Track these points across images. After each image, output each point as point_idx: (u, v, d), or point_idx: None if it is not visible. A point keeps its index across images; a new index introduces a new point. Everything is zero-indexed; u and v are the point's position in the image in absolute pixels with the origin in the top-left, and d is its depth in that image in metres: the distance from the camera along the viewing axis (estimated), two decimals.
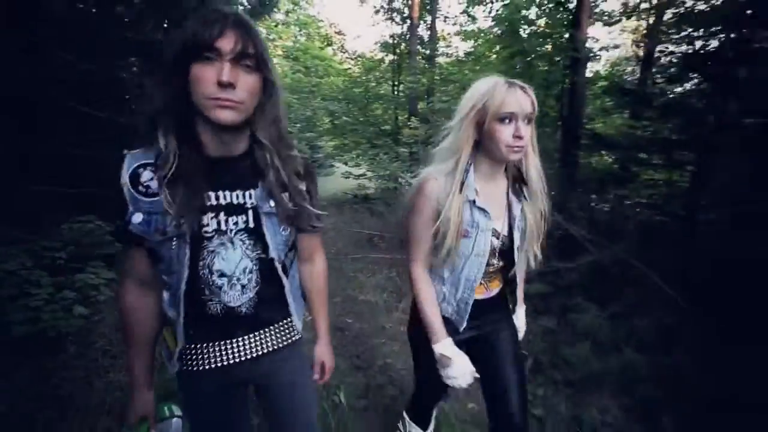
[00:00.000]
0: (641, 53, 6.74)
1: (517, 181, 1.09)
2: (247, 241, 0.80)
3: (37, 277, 2.44)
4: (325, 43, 12.05)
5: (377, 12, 10.69)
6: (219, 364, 0.83)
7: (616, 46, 8.52)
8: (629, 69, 9.10)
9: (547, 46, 4.26)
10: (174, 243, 0.74)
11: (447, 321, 1.13)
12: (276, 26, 10.98)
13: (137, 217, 0.73)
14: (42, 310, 2.20)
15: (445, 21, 10.92)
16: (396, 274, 3.64)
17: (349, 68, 11.48)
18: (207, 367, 0.83)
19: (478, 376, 1.05)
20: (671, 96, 3.66)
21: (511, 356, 1.16)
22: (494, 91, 0.94)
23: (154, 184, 0.73)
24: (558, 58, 4.40)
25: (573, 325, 2.10)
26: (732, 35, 2.86)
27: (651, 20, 6.44)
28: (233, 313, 0.81)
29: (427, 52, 9.46)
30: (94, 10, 3.51)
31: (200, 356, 0.82)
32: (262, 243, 0.81)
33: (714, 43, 3.23)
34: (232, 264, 0.78)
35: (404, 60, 9.77)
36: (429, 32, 9.90)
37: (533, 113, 0.96)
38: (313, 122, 9.30)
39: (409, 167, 6.37)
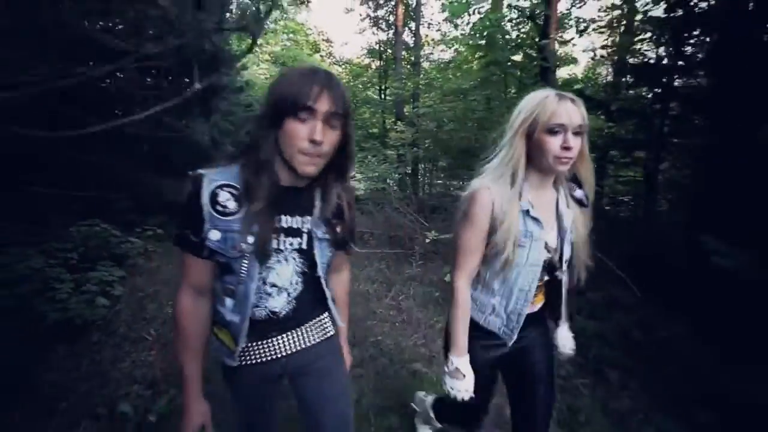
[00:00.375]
0: (615, 58, 7.22)
1: (574, 188, 1.09)
2: (298, 259, 0.89)
3: (56, 274, 2.69)
4: (313, 50, 12.35)
5: (363, 19, 11.04)
6: (260, 360, 0.92)
7: (594, 50, 8.99)
8: (604, 72, 9.61)
9: (519, 56, 4.64)
10: (246, 259, 0.82)
11: (493, 335, 1.13)
12: (265, 33, 11.25)
13: (215, 235, 0.79)
14: (67, 302, 2.45)
15: (428, 28, 11.33)
16: (385, 266, 3.95)
17: (338, 74, 11.79)
18: (251, 362, 0.92)
19: (473, 396, 1.09)
20: (631, 100, 4.07)
21: (545, 375, 1.17)
22: (544, 103, 0.96)
23: (231, 205, 0.79)
24: (531, 66, 4.79)
25: None
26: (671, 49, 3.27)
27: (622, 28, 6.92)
28: (274, 317, 0.90)
29: (412, 58, 9.83)
30: (96, 23, 3.74)
31: (245, 354, 0.92)
32: (310, 261, 0.90)
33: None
34: (285, 278, 0.88)
35: (390, 66, 10.12)
36: (413, 39, 10.28)
37: (583, 125, 0.96)
38: None
39: (396, 169, 6.70)
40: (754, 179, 2.16)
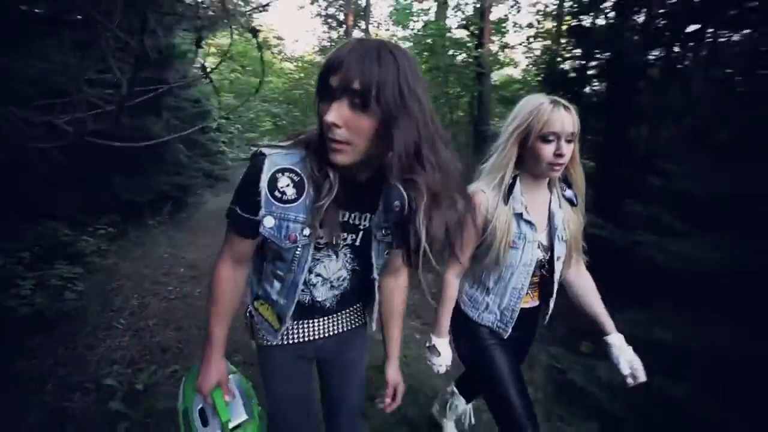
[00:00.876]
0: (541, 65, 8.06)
1: (564, 188, 1.13)
2: (349, 255, 0.86)
3: (17, 272, 2.73)
4: (265, 48, 12.20)
5: (314, 17, 11.15)
6: (296, 341, 0.94)
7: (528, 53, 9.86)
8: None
9: (458, 60, 5.16)
10: (299, 249, 0.79)
11: (488, 329, 1.19)
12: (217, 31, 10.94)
13: (269, 221, 0.75)
14: (33, 297, 2.53)
15: (378, 27, 11.67)
16: None
17: (290, 72, 11.80)
18: (287, 342, 0.93)
19: (449, 366, 1.23)
20: None
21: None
22: (539, 110, 0.98)
23: (290, 191, 0.74)
24: (469, 70, 5.33)
25: None
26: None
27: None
28: (317, 304, 0.90)
29: None
30: None
31: (285, 333, 0.93)
32: (360, 259, 0.87)
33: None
34: (332, 272, 0.86)
35: None
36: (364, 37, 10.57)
37: (575, 133, 0.99)
38: (255, 123, 9.55)
39: None
40: (628, 172, 2.78)
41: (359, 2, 10.40)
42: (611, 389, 1.84)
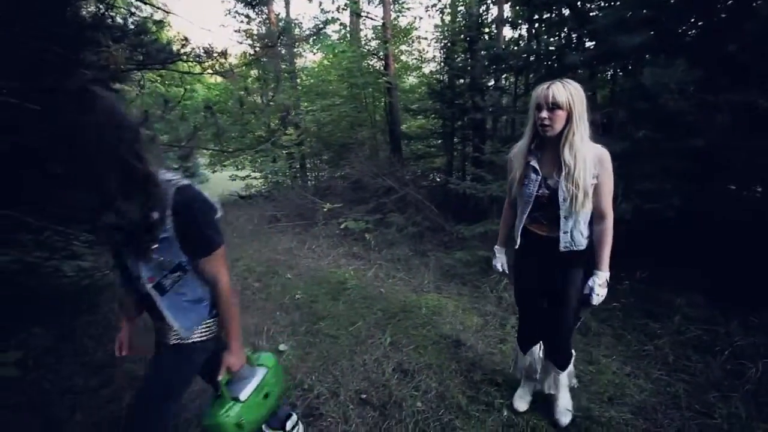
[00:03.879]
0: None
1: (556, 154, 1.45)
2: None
3: None
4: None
5: (237, 31, 11.82)
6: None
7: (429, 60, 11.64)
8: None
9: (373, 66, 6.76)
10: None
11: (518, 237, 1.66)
12: None
13: None
14: None
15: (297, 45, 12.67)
16: (299, 232, 5.56)
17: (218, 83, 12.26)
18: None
19: (507, 270, 1.84)
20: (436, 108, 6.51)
21: (562, 299, 1.58)
22: (535, 90, 1.43)
23: None
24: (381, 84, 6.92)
25: (389, 222, 4.54)
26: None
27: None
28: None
29: (285, 65, 11.11)
30: None
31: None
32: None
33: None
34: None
35: (268, 71, 11.23)
36: (286, 50, 11.55)
37: (554, 102, 1.35)
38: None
39: (289, 165, 8.17)
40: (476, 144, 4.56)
41: (280, 16, 11.33)
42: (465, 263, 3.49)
